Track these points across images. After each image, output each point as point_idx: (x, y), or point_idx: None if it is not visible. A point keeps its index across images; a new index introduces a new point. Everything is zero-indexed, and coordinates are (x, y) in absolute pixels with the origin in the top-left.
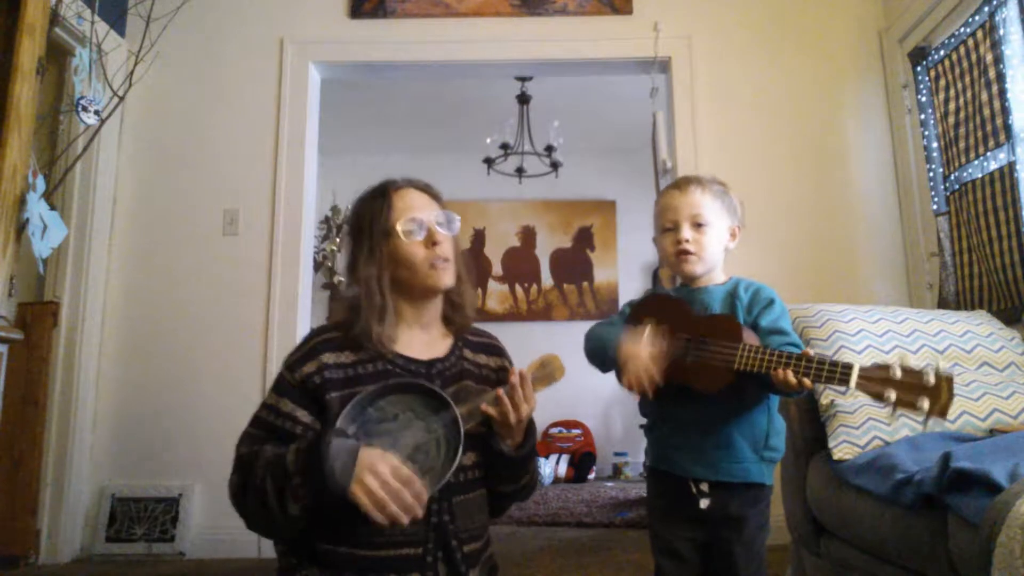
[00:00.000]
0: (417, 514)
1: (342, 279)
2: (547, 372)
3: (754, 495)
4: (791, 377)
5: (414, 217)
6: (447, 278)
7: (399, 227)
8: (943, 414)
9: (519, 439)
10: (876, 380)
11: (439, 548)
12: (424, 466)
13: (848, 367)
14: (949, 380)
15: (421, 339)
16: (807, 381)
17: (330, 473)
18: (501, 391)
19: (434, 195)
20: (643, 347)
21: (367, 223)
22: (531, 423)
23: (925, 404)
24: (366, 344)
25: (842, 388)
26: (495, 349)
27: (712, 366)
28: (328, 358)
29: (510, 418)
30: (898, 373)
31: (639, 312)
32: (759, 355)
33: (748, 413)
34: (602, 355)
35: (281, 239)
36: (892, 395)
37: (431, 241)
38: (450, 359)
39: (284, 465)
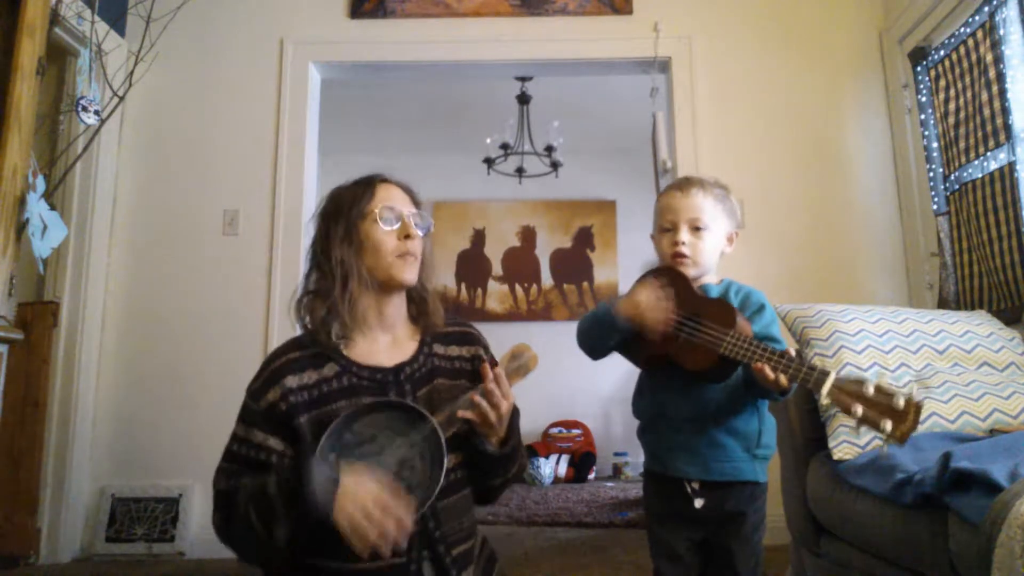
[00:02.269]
0: (399, 543)
1: None
2: (520, 363)
3: (750, 492)
4: (769, 372)
5: (392, 207)
6: (410, 274)
7: (376, 212)
8: (902, 440)
9: (502, 435)
10: (848, 393)
11: (422, 554)
12: (411, 482)
13: (824, 374)
14: (918, 408)
15: (384, 342)
16: (783, 378)
17: (312, 503)
18: (476, 396)
19: (414, 198)
20: (640, 291)
21: (346, 206)
22: (513, 415)
23: (888, 426)
24: (332, 355)
25: (816, 394)
26: (468, 337)
27: (699, 346)
28: (291, 381)
29: (490, 418)
30: (870, 390)
31: (645, 278)
32: (745, 345)
33: (739, 412)
34: (600, 324)
35: (281, 239)
36: (859, 410)
37: (404, 233)
38: (418, 360)
39: (267, 496)
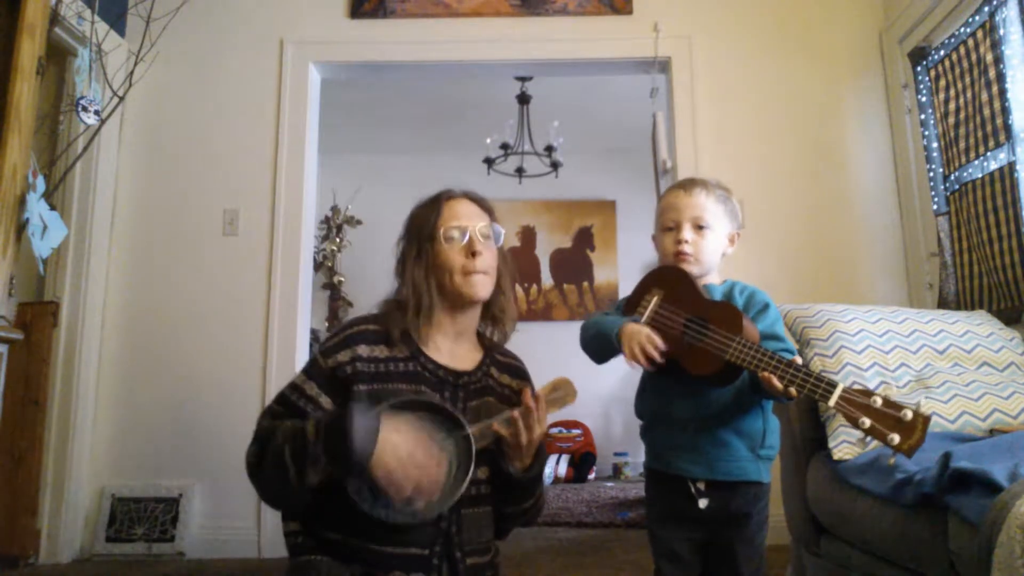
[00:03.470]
0: (432, 496)
1: (342, 279)
2: (560, 395)
3: (754, 492)
4: (776, 381)
5: (457, 225)
6: (480, 289)
7: (441, 233)
8: (910, 453)
9: (528, 462)
10: (856, 404)
11: (445, 553)
12: None
13: (832, 385)
14: (925, 421)
15: (452, 349)
16: (792, 390)
17: (352, 450)
18: (516, 412)
19: (486, 208)
20: (643, 326)
21: (417, 227)
22: (541, 447)
23: (896, 439)
24: (406, 341)
25: (822, 404)
26: (521, 372)
27: (704, 350)
28: (363, 350)
29: (521, 439)
30: (878, 402)
31: (651, 280)
32: (752, 352)
33: (744, 412)
34: (604, 340)
35: (281, 239)
36: (867, 422)
37: (470, 250)
38: (477, 374)
39: (304, 435)
